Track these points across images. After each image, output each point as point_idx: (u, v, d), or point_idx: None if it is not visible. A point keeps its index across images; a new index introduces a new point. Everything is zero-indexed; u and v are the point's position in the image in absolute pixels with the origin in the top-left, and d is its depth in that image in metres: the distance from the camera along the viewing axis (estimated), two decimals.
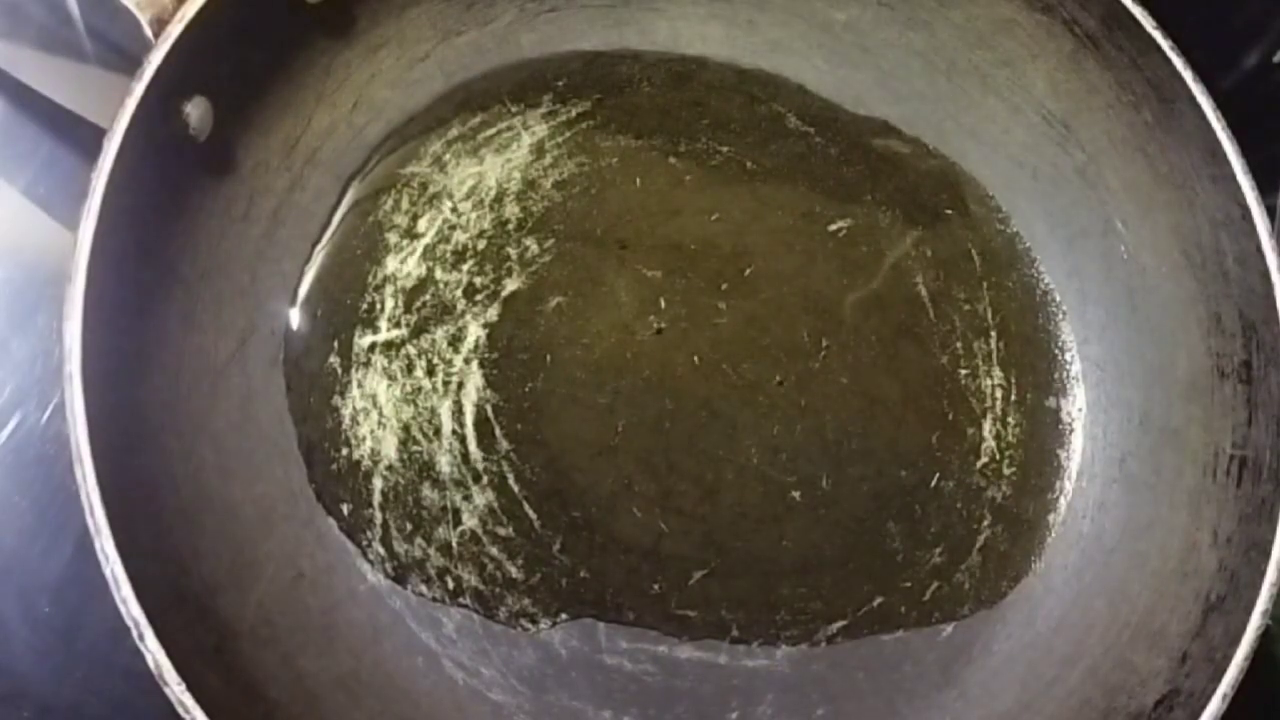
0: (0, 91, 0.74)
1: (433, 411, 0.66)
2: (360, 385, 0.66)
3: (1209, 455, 0.64)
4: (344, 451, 0.65)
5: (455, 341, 0.67)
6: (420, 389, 0.66)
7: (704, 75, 0.73)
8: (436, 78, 0.71)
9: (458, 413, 0.66)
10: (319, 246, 0.68)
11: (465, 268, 0.68)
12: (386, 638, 0.63)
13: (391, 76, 0.70)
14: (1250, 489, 0.62)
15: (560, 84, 0.72)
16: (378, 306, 0.67)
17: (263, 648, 0.59)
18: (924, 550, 0.68)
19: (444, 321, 0.67)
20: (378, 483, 0.65)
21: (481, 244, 0.69)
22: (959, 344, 0.70)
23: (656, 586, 0.65)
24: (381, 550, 0.64)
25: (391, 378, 0.66)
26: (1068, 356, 0.70)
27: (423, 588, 0.64)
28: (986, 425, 0.69)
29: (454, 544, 0.65)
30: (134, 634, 0.52)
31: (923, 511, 0.68)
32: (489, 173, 0.70)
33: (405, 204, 0.69)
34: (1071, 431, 0.70)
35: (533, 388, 0.67)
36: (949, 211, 0.72)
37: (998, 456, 0.69)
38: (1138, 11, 0.64)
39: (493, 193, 0.70)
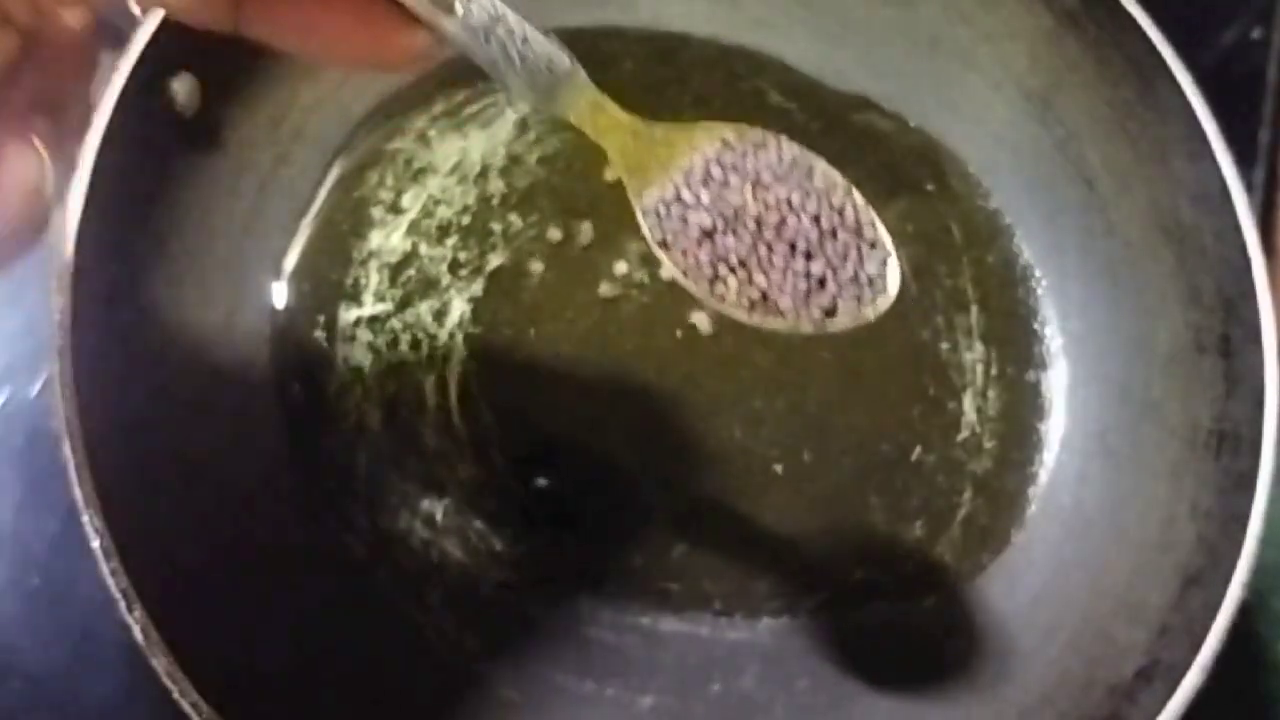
0: None
1: (417, 385, 0.66)
2: (346, 359, 0.66)
3: (1188, 429, 0.64)
4: (330, 425, 0.65)
5: (439, 315, 0.67)
6: (405, 363, 0.67)
7: (686, 52, 0.73)
8: None
9: (442, 386, 0.66)
10: (305, 221, 0.68)
11: (450, 243, 0.69)
12: (372, 609, 0.63)
13: None
14: (1229, 462, 0.62)
15: None
16: (363, 281, 0.68)
17: (249, 619, 0.59)
18: (905, 523, 0.68)
19: (428, 296, 0.68)
20: (363, 456, 0.65)
21: (466, 219, 0.69)
22: (940, 318, 0.71)
23: (639, 559, 0.66)
24: (367, 523, 0.64)
25: (376, 351, 0.67)
26: (1048, 331, 0.71)
27: (408, 560, 0.64)
28: (967, 399, 0.70)
29: (438, 517, 0.65)
30: (122, 606, 0.52)
31: (904, 485, 0.68)
32: (473, 148, 0.70)
33: (390, 179, 0.69)
34: (1051, 405, 0.70)
35: (516, 361, 0.67)
36: (930, 187, 0.72)
37: (978, 430, 0.69)
38: None
39: (477, 168, 0.70)
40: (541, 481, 0.66)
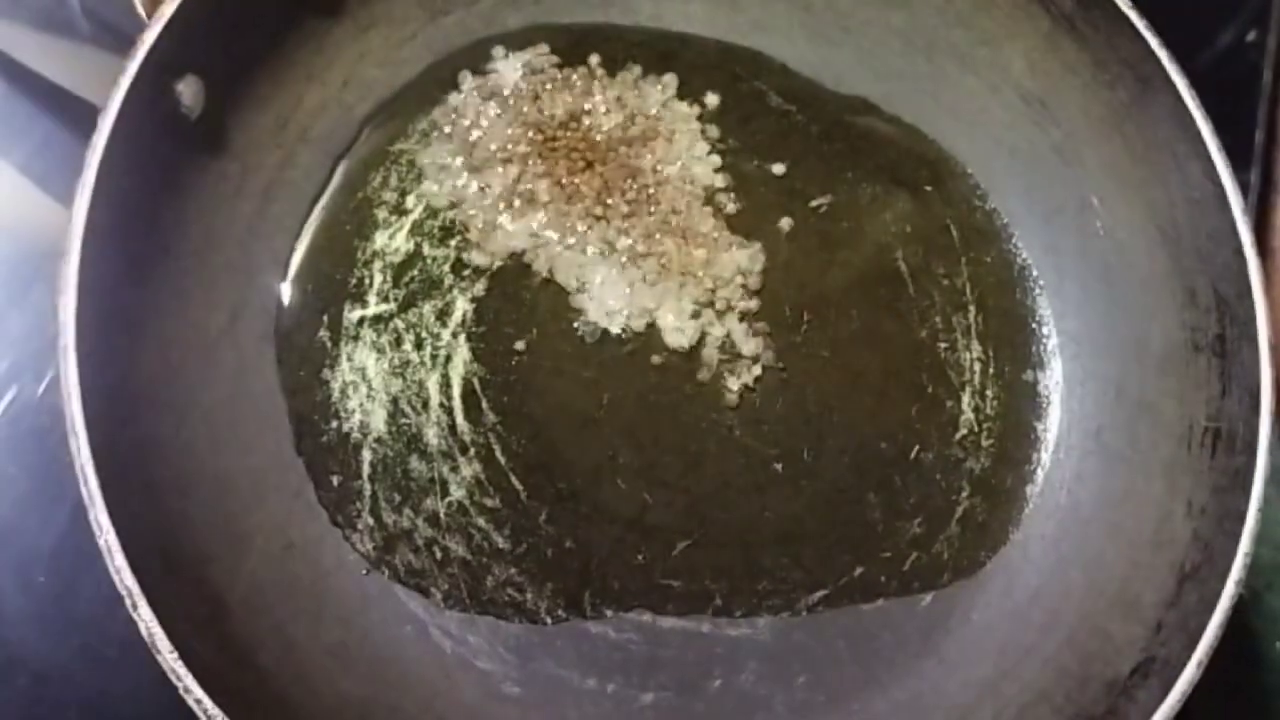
0: None
1: (420, 384, 0.67)
2: (349, 359, 0.67)
3: (1184, 427, 0.65)
4: (333, 424, 0.66)
5: (443, 316, 0.68)
6: (408, 362, 0.67)
7: (687, 53, 0.74)
8: (424, 56, 0.71)
9: (445, 386, 0.67)
10: (309, 222, 0.68)
11: (453, 243, 0.69)
12: (375, 607, 0.63)
13: (381, 55, 0.70)
14: (1224, 460, 0.62)
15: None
16: (367, 281, 0.68)
17: (254, 616, 0.59)
18: (903, 521, 0.68)
19: (432, 296, 0.68)
20: (367, 455, 0.65)
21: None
22: (938, 318, 0.71)
23: (641, 557, 0.66)
24: (371, 521, 0.64)
25: (380, 351, 0.67)
26: (1045, 330, 0.71)
27: (411, 557, 0.64)
28: (965, 398, 0.70)
29: (442, 515, 0.65)
30: (127, 603, 0.52)
31: (902, 483, 0.69)
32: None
33: (394, 180, 0.70)
34: (1048, 404, 0.70)
35: (519, 361, 0.68)
36: (928, 188, 0.73)
37: (976, 429, 0.70)
38: None
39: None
40: (543, 480, 0.66)
